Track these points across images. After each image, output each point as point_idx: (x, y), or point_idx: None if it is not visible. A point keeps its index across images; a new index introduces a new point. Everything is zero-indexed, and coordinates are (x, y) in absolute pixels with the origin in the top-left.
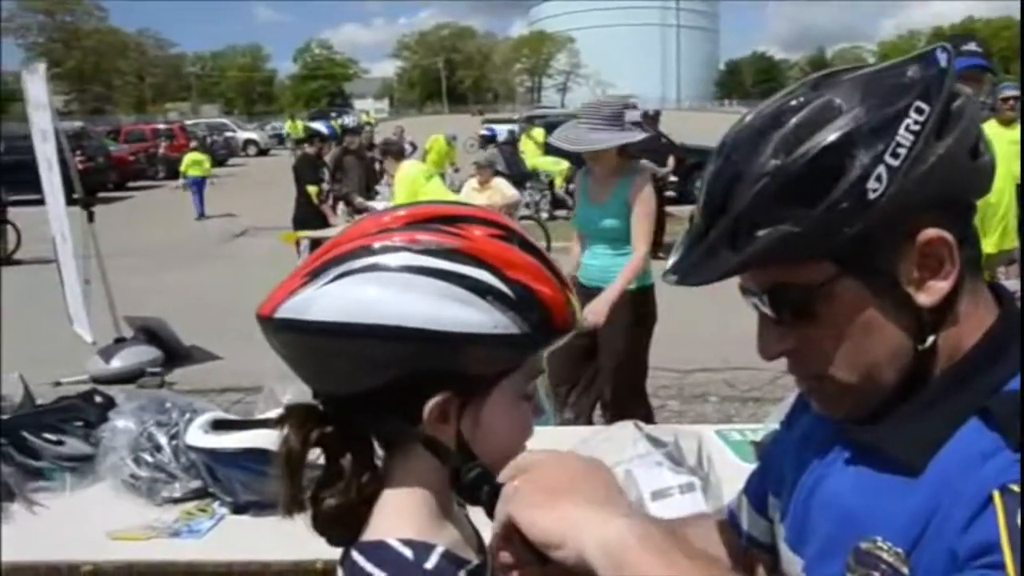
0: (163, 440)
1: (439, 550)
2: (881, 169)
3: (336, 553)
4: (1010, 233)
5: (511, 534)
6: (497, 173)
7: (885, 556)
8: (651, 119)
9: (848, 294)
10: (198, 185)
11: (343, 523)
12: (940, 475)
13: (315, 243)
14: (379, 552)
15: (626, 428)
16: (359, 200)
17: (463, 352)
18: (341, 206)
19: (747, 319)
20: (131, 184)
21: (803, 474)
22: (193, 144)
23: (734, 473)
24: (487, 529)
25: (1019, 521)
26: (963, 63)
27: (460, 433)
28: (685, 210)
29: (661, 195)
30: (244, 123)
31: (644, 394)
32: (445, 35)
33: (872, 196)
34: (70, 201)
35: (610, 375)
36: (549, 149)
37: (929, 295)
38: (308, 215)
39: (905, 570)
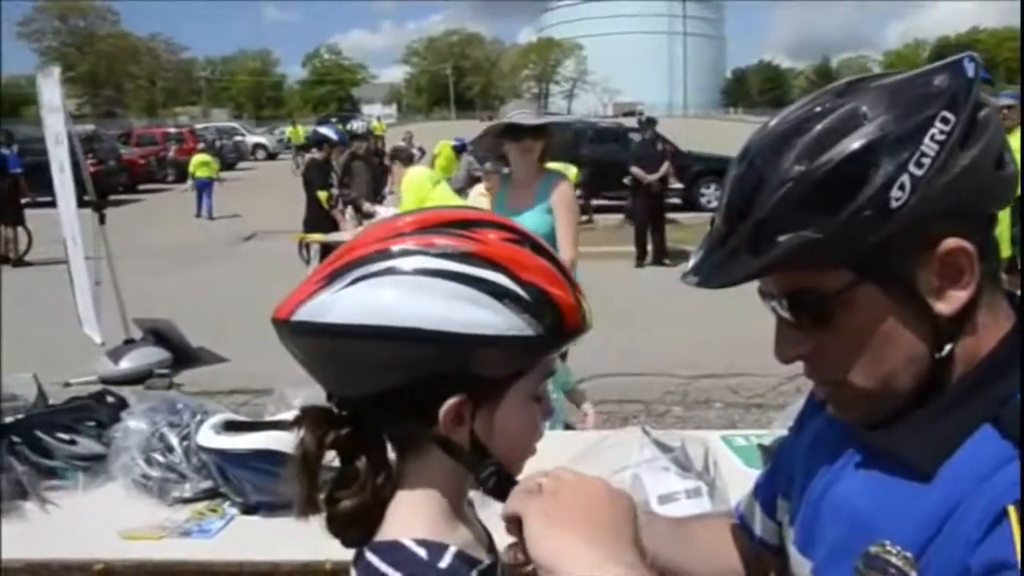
0: (175, 441)
1: (452, 550)
2: (905, 178)
3: (345, 554)
4: (1006, 241)
5: (518, 534)
6: (475, 180)
7: (894, 560)
8: (648, 125)
9: (867, 302)
10: (206, 187)
11: (358, 525)
12: (951, 481)
13: (325, 247)
14: (393, 552)
15: (633, 433)
16: (367, 205)
17: (478, 354)
18: (350, 210)
19: (751, 325)
20: (141, 187)
21: (814, 477)
22: (200, 146)
23: (740, 478)
24: (498, 532)
25: None
26: None
27: (474, 433)
28: (690, 217)
29: (660, 201)
30: (253, 127)
31: None
32: (453, 41)
33: (895, 205)
34: (81, 203)
35: None
36: (556, 155)
37: (948, 304)
38: (318, 219)
39: (913, 574)
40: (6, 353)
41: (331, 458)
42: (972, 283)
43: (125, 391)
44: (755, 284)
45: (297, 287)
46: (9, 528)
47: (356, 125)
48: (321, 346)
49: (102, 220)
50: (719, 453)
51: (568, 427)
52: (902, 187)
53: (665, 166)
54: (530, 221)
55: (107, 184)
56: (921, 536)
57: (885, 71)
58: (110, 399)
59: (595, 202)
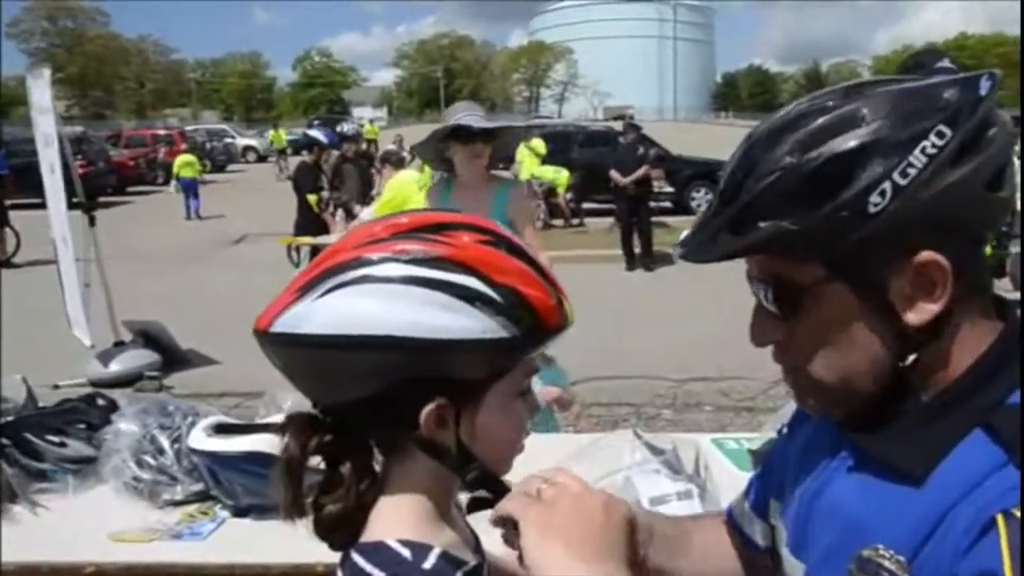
0: (165, 443)
1: (437, 551)
2: (887, 185)
3: (337, 556)
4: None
5: (513, 534)
6: None
7: (887, 564)
8: (630, 129)
9: (835, 299)
10: (191, 187)
11: (343, 528)
12: (943, 485)
13: (315, 250)
14: (378, 553)
15: (625, 436)
16: (358, 208)
17: (454, 358)
18: (340, 213)
19: (741, 329)
20: (131, 189)
21: (806, 480)
22: (184, 147)
23: (730, 481)
24: (486, 535)
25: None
26: None
27: (459, 435)
28: (681, 220)
29: (640, 204)
30: (243, 129)
31: None
32: (444, 44)
33: (873, 210)
34: (71, 205)
35: None
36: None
37: (917, 315)
38: (309, 222)
39: None
40: None
41: (318, 461)
42: (944, 297)
43: (115, 394)
44: (748, 288)
45: (276, 297)
46: None
47: (346, 128)
48: (299, 356)
49: (92, 222)
50: (710, 456)
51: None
52: (883, 193)
53: (643, 170)
54: None
55: (96, 186)
56: (913, 540)
57: (896, 76)
58: (101, 401)
59: (586, 205)
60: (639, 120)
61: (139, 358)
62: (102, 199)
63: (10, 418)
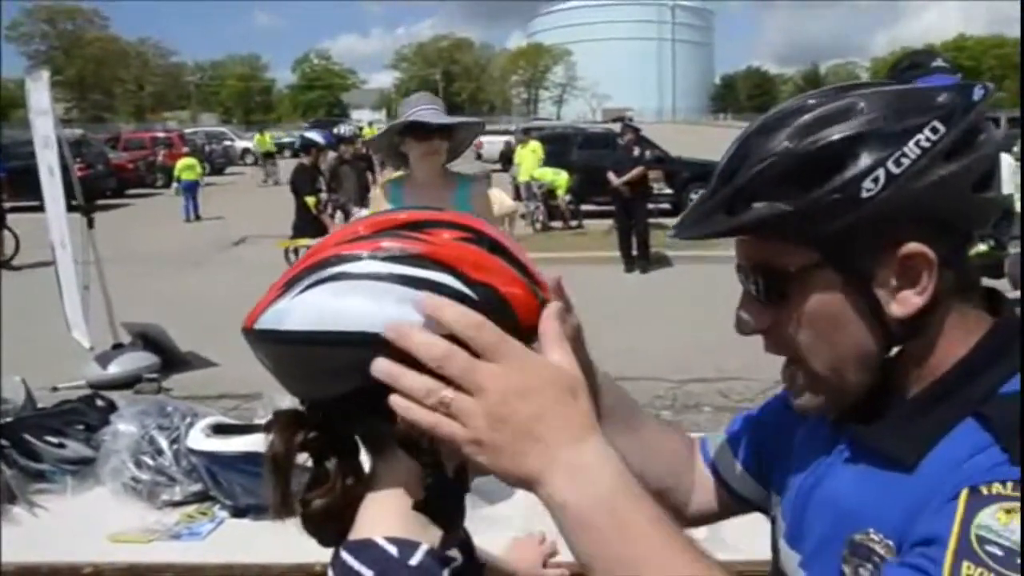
0: (164, 444)
1: (424, 548)
2: (880, 172)
3: None
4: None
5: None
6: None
7: (877, 548)
8: (626, 131)
9: (824, 285)
10: (191, 189)
11: (331, 524)
12: (932, 471)
13: None
14: (365, 550)
15: None
16: (355, 209)
17: None
18: (339, 215)
19: None
20: (130, 191)
21: (803, 474)
22: (185, 150)
23: None
24: (477, 535)
25: (973, 524)
26: (933, 81)
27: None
28: None
29: (634, 205)
30: (242, 132)
31: None
32: (443, 46)
33: (864, 195)
34: (70, 208)
35: None
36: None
37: (901, 306)
38: (307, 224)
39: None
40: None
41: (305, 458)
42: (929, 290)
43: (114, 395)
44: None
45: (263, 296)
46: None
47: (343, 129)
48: (281, 353)
49: (91, 224)
50: None
51: None
52: (876, 180)
53: (636, 170)
54: None
55: (95, 188)
56: (902, 524)
57: (887, 80)
58: (99, 402)
59: (585, 207)
60: (638, 122)
61: (138, 360)
62: (101, 202)
63: (9, 419)
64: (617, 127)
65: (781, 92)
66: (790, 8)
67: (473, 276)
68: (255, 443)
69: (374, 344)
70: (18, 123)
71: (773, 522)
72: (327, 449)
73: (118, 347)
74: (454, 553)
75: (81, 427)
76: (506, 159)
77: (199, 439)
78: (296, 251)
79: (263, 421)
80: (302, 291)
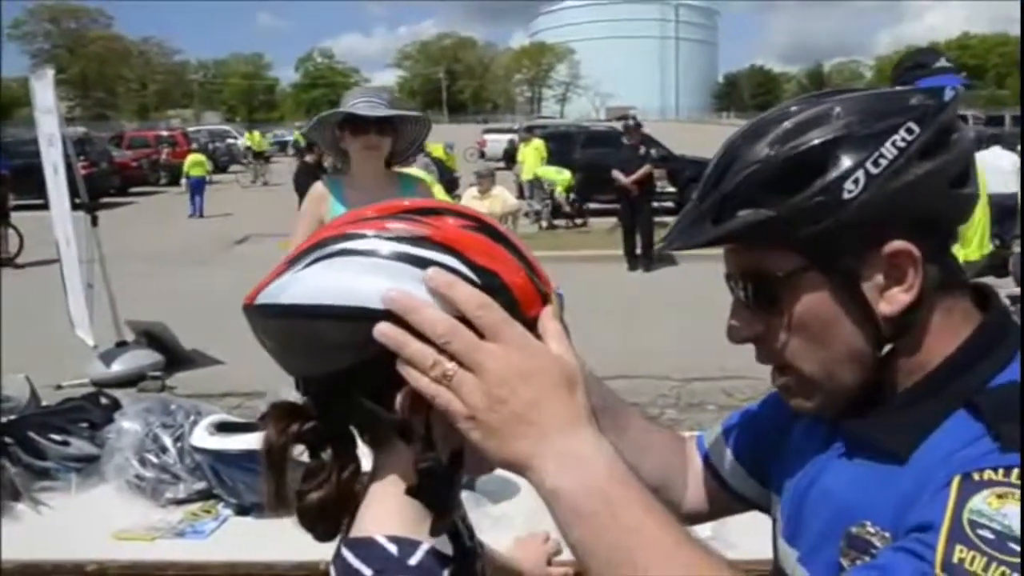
0: (168, 441)
1: (424, 547)
2: (860, 174)
3: None
4: (985, 240)
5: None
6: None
7: (874, 540)
8: (631, 129)
9: (812, 288)
10: (199, 186)
11: (327, 518)
12: (925, 462)
13: None
14: (366, 548)
15: None
16: None
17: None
18: None
19: None
20: (134, 189)
21: (800, 472)
22: (194, 146)
23: None
24: (480, 535)
25: (966, 509)
26: (937, 82)
27: (429, 419)
28: None
29: (637, 203)
30: (246, 130)
31: None
32: (446, 45)
33: (847, 196)
34: (74, 206)
35: None
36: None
37: (889, 304)
38: None
39: None
40: None
41: (301, 451)
42: (916, 286)
43: (118, 393)
44: None
45: (267, 274)
46: (2, 529)
47: None
48: (279, 328)
49: (94, 222)
50: None
51: None
52: (856, 181)
53: (644, 169)
54: None
55: (99, 187)
56: (896, 515)
57: (868, 86)
58: (103, 400)
59: (589, 205)
60: (641, 120)
61: (142, 358)
62: (105, 200)
63: (13, 417)
64: (620, 125)
65: (784, 91)
66: (794, 7)
67: (478, 261)
68: (259, 441)
69: (371, 319)
70: (21, 121)
71: (774, 522)
72: (323, 440)
73: (122, 345)
74: (445, 543)
75: (85, 425)
76: (510, 157)
77: (203, 437)
78: None
79: None
80: (305, 266)
